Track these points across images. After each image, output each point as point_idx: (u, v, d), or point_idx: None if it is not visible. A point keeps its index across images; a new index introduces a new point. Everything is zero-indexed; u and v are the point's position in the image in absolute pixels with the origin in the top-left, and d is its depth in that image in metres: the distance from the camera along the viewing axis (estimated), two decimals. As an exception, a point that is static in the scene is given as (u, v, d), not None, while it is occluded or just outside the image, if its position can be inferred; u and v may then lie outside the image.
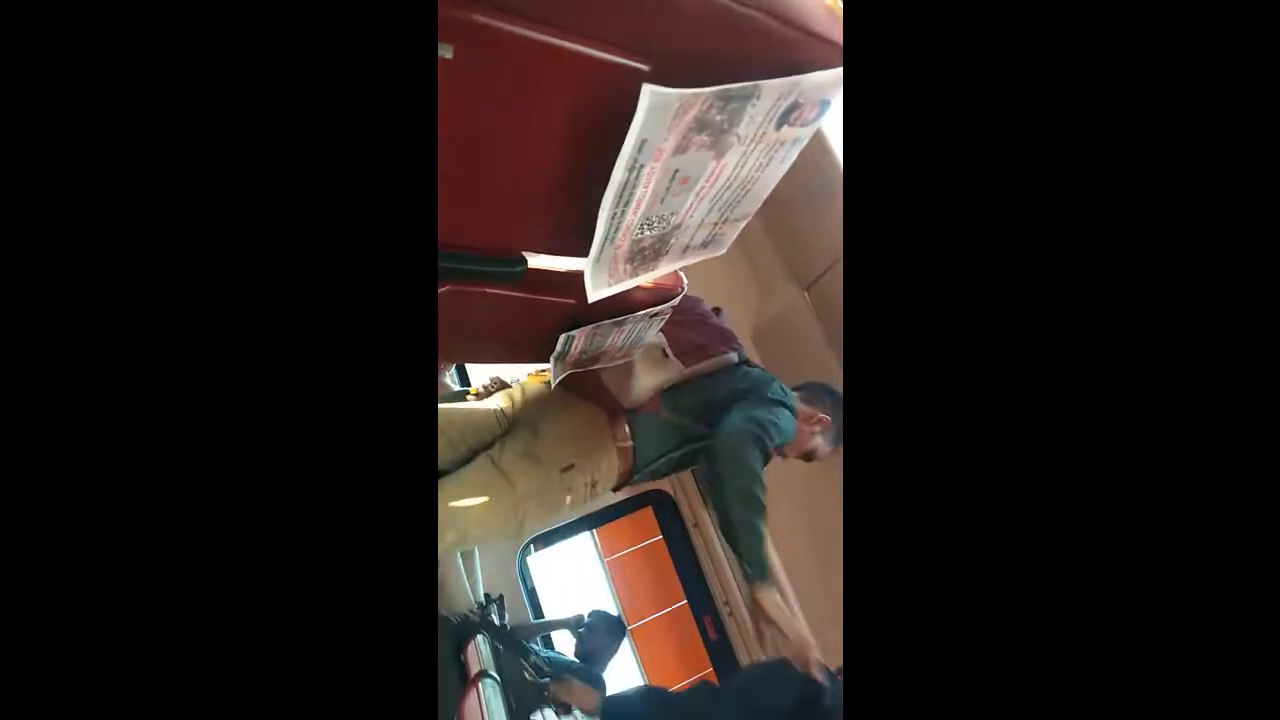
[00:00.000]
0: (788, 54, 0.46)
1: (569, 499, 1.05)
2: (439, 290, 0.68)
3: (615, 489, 1.13)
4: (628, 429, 1.07)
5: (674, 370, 1.10)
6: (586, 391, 1.09)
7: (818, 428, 1.15)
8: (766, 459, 0.98)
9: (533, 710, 1.40)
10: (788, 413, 1.06)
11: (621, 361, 1.06)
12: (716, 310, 1.28)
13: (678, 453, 1.09)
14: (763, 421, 0.98)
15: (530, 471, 1.03)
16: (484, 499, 1.01)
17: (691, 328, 1.15)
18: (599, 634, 1.92)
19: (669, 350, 1.11)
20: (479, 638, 0.96)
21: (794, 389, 1.16)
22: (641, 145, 0.46)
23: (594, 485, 1.07)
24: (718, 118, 0.47)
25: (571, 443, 1.05)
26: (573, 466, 1.04)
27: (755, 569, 0.92)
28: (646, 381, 1.08)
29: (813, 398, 1.18)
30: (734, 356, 1.16)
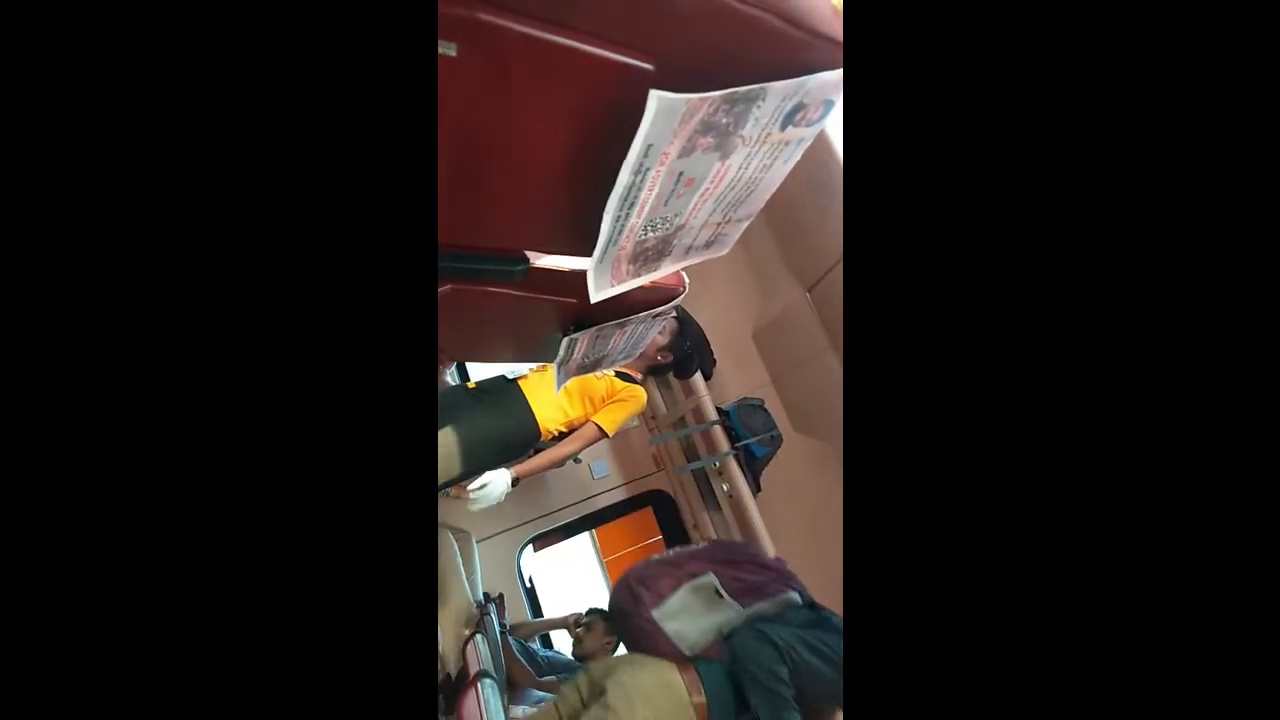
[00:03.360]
0: (794, 55, 0.45)
1: None
2: (440, 289, 0.68)
3: None
4: (700, 682, 1.00)
5: (732, 611, 1.05)
6: (644, 643, 1.04)
7: None
8: None
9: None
10: None
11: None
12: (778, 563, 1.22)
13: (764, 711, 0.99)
14: None
15: None
16: None
17: (743, 567, 1.11)
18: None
19: (722, 590, 1.06)
20: (478, 638, 0.96)
21: None
22: (647, 150, 0.46)
23: None
24: (723, 120, 0.46)
25: (644, 702, 0.97)
26: None
27: None
28: (703, 624, 1.04)
29: None
30: (797, 597, 1.10)
